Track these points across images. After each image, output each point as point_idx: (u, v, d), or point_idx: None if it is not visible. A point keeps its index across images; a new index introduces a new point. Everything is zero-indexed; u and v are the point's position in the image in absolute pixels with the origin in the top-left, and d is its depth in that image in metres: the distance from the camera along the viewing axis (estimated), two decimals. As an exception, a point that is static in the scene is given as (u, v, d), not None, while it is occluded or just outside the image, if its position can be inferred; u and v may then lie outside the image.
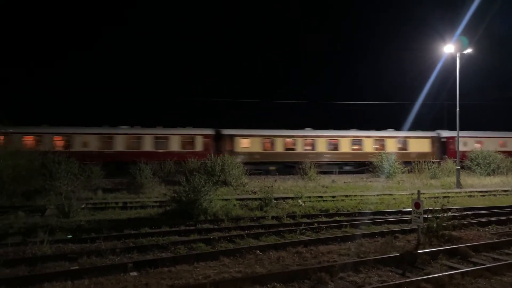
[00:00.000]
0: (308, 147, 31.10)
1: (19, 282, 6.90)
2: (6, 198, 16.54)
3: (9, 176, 17.31)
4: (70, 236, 9.80)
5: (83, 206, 14.81)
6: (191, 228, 11.64)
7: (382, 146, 32.13)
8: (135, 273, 7.52)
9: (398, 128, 35.37)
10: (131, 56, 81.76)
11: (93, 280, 7.13)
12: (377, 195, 18.62)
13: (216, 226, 11.89)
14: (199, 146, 29.18)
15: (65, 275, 7.21)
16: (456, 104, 24.26)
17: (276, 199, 16.09)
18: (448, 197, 17.70)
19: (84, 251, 8.84)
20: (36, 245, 9.20)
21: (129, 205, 15.41)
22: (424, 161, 27.94)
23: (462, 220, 12.37)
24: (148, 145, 28.37)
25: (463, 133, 34.50)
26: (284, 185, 22.07)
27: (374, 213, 14.13)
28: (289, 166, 29.86)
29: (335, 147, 31.65)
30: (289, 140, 30.84)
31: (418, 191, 9.96)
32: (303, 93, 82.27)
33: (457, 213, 13.18)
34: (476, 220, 12.89)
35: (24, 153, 19.64)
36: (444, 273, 7.21)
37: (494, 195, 19.85)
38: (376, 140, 32.40)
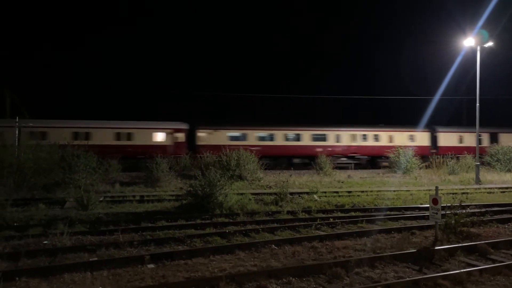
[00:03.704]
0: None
1: (41, 272, 7.06)
2: (27, 190, 16.96)
3: (31, 169, 17.74)
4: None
5: (101, 199, 15.07)
6: (207, 221, 11.74)
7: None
8: (152, 265, 7.63)
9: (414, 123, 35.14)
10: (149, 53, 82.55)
11: (111, 271, 7.27)
12: (394, 191, 18.44)
13: (231, 220, 11.95)
14: None
15: (85, 266, 7.37)
16: (475, 99, 23.74)
17: (291, 194, 16.10)
18: (467, 193, 17.37)
19: (103, 243, 9.01)
20: (56, 236, 9.40)
21: (146, 199, 15.63)
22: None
23: (481, 217, 12.11)
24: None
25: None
26: (299, 180, 22.02)
27: (391, 209, 13.99)
28: None
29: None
30: None
31: (436, 187, 9.82)
32: (321, 87, 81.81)
33: (476, 210, 12.93)
34: (496, 216, 12.63)
35: (44, 146, 20.08)
36: (462, 270, 7.10)
37: (515, 191, 19.42)
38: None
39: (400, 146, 31.15)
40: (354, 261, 7.51)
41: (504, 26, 29.72)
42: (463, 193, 17.43)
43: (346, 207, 14.33)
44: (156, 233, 10.31)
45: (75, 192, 14.99)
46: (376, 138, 34.28)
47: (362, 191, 18.42)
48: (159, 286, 6.43)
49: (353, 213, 13.35)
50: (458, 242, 9.17)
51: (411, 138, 34.69)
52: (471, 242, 9.15)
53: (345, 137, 33.64)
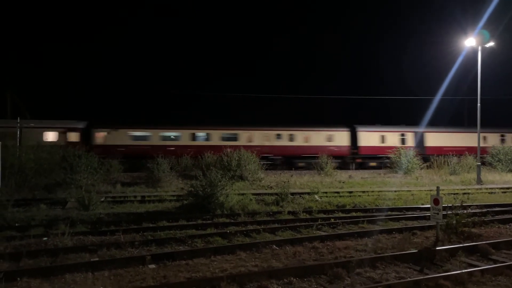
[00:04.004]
0: None
1: (42, 272, 7.07)
2: (29, 190, 16.98)
3: (32, 169, 17.77)
4: None
5: (102, 199, 15.08)
6: (208, 222, 11.74)
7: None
8: (153, 266, 7.64)
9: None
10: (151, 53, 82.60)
11: (112, 271, 7.28)
12: (395, 191, 18.42)
13: (232, 220, 11.96)
14: None
15: (86, 266, 7.38)
16: (477, 99, 23.68)
17: (292, 194, 16.09)
18: (468, 193, 17.34)
19: (104, 243, 9.01)
20: (58, 236, 9.41)
21: (147, 199, 15.64)
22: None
23: (483, 217, 12.10)
24: None
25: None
26: (300, 180, 22.02)
27: (392, 209, 13.98)
28: None
29: None
30: None
31: (437, 187, 9.80)
32: (325, 88, 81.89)
33: (477, 210, 12.92)
34: (497, 217, 12.62)
35: (46, 146, 20.12)
36: (463, 270, 7.10)
37: (516, 191, 19.38)
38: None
39: (317, 146, 30.79)
40: (355, 261, 7.50)
41: (505, 26, 29.70)
42: (464, 193, 17.40)
43: (347, 207, 14.31)
44: (157, 233, 10.32)
45: (77, 192, 15.00)
46: (291, 138, 33.22)
47: (363, 192, 18.41)
48: (160, 286, 6.43)
49: (354, 214, 13.34)
50: (459, 243, 9.16)
51: (329, 138, 33.73)
52: (472, 242, 9.14)
53: (257, 137, 32.65)
